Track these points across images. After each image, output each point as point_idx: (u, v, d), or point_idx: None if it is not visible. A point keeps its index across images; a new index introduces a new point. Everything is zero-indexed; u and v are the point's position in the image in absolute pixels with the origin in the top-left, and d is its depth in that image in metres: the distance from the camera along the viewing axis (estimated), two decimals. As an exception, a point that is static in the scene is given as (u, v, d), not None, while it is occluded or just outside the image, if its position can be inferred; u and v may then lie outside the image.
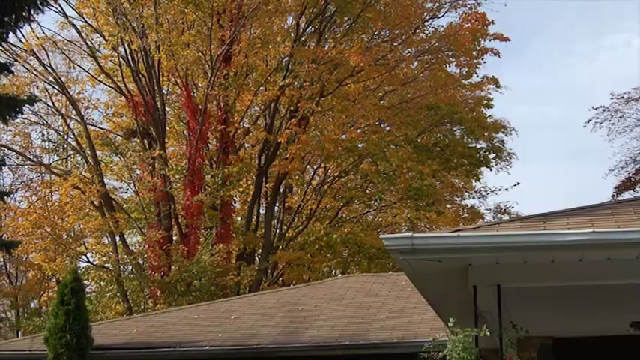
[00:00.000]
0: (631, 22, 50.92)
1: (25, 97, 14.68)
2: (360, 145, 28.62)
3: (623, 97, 31.56)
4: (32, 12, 14.04)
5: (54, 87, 27.44)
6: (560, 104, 55.71)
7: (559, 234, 8.27)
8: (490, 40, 30.53)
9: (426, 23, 29.92)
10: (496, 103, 40.55)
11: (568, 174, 52.03)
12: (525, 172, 42.19)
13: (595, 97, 57.84)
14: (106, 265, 26.64)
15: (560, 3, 51.53)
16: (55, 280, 28.98)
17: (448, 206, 32.44)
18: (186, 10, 25.53)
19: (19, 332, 31.21)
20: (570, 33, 53.70)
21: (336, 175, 30.50)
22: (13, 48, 24.56)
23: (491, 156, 32.18)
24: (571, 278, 8.82)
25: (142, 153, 26.89)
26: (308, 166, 31.04)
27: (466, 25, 29.67)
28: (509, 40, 30.42)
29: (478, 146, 32.24)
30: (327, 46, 28.35)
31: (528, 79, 52.79)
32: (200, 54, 26.36)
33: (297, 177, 30.28)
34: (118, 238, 26.69)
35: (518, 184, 34.46)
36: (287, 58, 27.33)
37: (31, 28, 24.92)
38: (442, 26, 29.99)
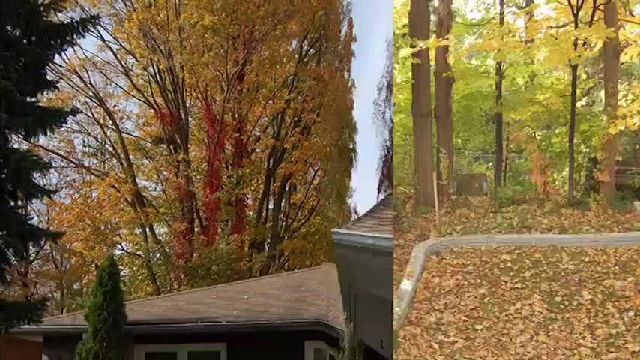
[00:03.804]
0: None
1: (69, 110, 14.62)
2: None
3: None
4: (74, 36, 14.02)
5: (93, 101, 27.43)
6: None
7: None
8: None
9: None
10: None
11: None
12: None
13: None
14: (138, 252, 26.66)
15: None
16: (94, 265, 28.95)
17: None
18: (206, 35, 25.55)
19: (64, 310, 31.17)
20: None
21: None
22: (59, 67, 24.57)
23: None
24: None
25: (168, 157, 26.93)
26: (309, 168, 31.04)
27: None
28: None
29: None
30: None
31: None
32: (218, 73, 26.39)
33: (300, 177, 30.29)
34: (147, 229, 26.70)
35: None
36: (292, 76, 27.36)
37: (74, 50, 24.92)
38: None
